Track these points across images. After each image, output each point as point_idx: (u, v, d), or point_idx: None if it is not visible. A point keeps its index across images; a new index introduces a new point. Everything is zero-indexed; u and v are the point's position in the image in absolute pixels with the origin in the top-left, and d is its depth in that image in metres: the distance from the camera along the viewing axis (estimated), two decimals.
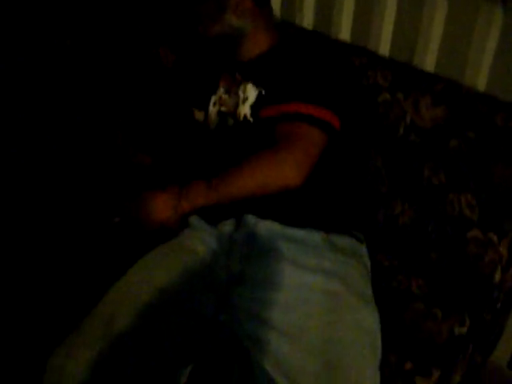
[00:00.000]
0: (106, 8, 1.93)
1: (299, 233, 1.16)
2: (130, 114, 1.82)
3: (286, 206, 1.19)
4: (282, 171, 1.16)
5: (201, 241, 1.21)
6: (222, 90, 1.41)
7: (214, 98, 1.42)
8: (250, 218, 1.18)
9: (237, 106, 1.36)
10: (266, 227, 1.16)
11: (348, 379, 0.97)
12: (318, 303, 1.06)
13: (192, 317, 1.11)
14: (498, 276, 1.28)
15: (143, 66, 1.90)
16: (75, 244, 1.43)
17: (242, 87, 1.35)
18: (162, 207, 1.24)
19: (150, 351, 1.06)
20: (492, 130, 1.26)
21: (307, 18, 1.72)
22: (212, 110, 1.42)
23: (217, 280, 1.15)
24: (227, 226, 1.21)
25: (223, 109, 1.39)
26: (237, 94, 1.37)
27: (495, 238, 1.27)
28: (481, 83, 1.37)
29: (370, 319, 1.08)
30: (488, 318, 1.32)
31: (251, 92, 1.33)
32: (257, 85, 1.32)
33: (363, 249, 1.23)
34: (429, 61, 1.45)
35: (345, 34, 1.63)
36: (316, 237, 1.16)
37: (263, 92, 1.31)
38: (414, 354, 1.17)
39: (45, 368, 1.03)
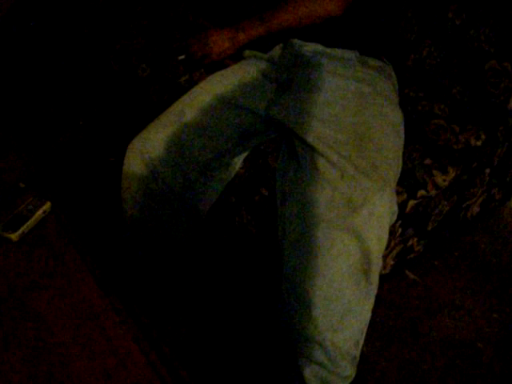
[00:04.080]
0: None
1: (337, 51, 1.37)
2: None
3: (327, 32, 1.41)
4: (324, 3, 1.38)
5: (254, 65, 1.44)
6: None
7: None
8: (296, 41, 1.40)
9: None
10: (309, 47, 1.39)
11: (371, 145, 1.18)
12: (351, 100, 1.28)
13: (247, 113, 1.35)
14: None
15: None
16: None
17: None
18: (221, 39, 1.48)
19: (213, 137, 1.31)
20: None
21: None
22: None
23: (267, 87, 1.38)
24: (276, 50, 1.43)
25: None
26: None
27: (509, 67, 1.45)
28: None
29: (394, 114, 1.29)
30: (502, 139, 1.52)
31: None
32: None
33: (392, 71, 1.43)
34: None
35: None
36: (351, 55, 1.37)
37: None
38: (434, 154, 1.37)
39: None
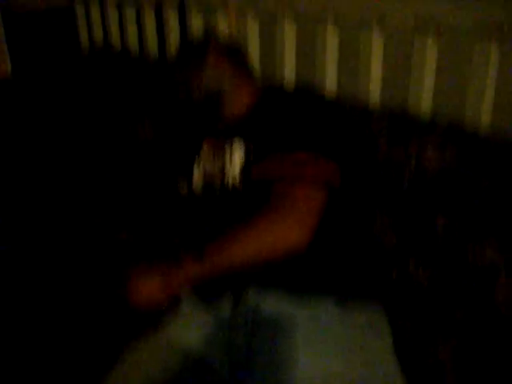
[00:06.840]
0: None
1: (310, 304, 1.01)
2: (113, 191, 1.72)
3: (292, 274, 1.04)
4: (285, 233, 1.02)
5: (194, 332, 1.05)
6: (205, 152, 1.29)
7: (196, 167, 1.30)
8: (251, 293, 1.03)
9: (223, 169, 1.23)
10: (270, 302, 1.01)
11: None
12: None
13: None
14: None
15: (122, 143, 1.81)
16: None
17: (227, 147, 1.23)
18: (150, 290, 1.09)
19: None
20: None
21: (288, 73, 1.68)
22: (196, 176, 1.30)
23: (215, 375, 0.98)
24: (225, 305, 1.05)
25: (208, 178, 1.26)
26: (222, 157, 1.24)
27: None
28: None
29: None
30: None
31: (238, 150, 1.20)
32: (245, 139, 1.19)
33: (383, 318, 1.07)
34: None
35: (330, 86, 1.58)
36: (329, 307, 1.01)
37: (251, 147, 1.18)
38: None
39: None
